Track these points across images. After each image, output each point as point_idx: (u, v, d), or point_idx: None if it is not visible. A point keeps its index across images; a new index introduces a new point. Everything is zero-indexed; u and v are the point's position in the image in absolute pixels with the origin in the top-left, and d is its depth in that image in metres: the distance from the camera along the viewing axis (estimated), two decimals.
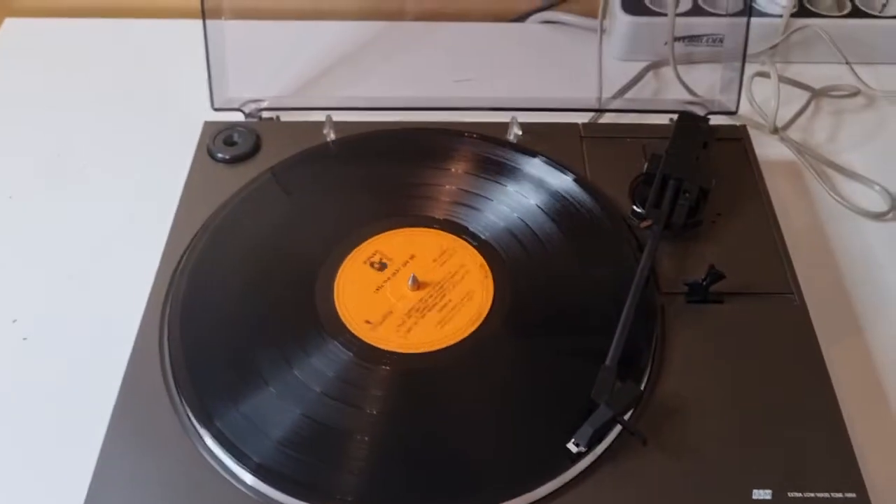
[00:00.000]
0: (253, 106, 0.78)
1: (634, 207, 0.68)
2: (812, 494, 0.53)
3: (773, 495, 0.53)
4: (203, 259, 0.65)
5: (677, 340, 0.60)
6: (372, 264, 0.64)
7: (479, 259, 0.65)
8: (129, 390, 0.58)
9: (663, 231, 0.65)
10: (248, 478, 0.53)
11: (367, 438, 0.55)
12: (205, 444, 0.55)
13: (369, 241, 0.66)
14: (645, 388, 0.57)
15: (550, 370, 0.59)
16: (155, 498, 0.53)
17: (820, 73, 0.89)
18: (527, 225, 0.67)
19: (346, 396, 0.57)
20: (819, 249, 0.73)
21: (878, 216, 0.76)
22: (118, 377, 0.58)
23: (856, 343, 0.66)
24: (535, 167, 0.71)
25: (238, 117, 0.77)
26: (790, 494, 0.53)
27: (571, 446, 0.54)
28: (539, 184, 0.70)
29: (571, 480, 0.54)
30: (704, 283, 0.62)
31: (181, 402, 0.57)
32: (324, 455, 0.54)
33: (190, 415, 0.56)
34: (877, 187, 0.78)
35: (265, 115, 0.78)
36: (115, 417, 0.56)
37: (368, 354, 0.59)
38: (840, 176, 0.80)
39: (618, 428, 0.55)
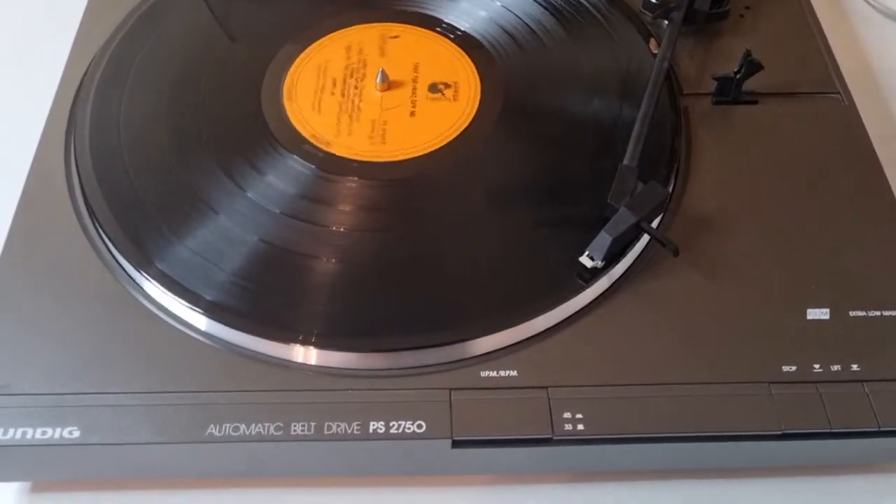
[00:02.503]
0: None
1: None
2: (878, 313, 0.44)
3: (831, 315, 0.44)
4: (116, 69, 0.53)
5: (706, 145, 0.51)
6: (325, 70, 0.53)
7: (458, 52, 0.55)
8: (25, 226, 0.47)
9: (684, 23, 0.54)
10: (202, 321, 0.43)
11: (334, 261, 0.45)
12: (142, 289, 0.44)
13: (316, 44, 0.55)
14: (672, 194, 0.47)
15: (557, 174, 0.49)
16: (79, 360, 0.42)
17: None
18: (516, 16, 0.56)
19: (308, 215, 0.47)
20: (855, 57, 0.64)
21: None
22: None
23: None
24: None
25: None
26: (852, 314, 0.44)
27: (585, 260, 0.44)
28: None
29: (587, 306, 0.44)
30: (737, 75, 0.51)
31: (102, 240, 0.46)
32: (286, 284, 0.44)
33: (117, 256, 0.45)
34: None
35: None
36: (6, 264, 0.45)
37: (333, 166, 0.49)
38: None
39: (640, 243, 0.45)
